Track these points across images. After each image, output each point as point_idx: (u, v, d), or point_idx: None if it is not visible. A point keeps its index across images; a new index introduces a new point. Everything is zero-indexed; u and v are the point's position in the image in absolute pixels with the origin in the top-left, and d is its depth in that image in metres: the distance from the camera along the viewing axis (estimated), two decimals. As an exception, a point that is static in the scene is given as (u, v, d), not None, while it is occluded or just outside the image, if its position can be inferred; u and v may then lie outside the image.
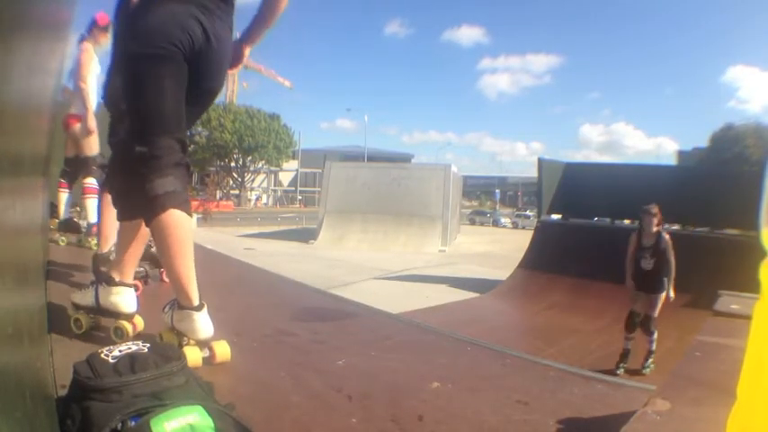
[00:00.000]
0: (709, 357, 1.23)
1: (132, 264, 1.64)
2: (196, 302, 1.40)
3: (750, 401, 0.53)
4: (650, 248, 4.81)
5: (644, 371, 4.87)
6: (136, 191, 1.39)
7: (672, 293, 4.79)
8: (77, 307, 1.60)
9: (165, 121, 1.39)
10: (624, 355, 4.95)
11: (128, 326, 1.56)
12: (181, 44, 1.37)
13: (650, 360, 4.89)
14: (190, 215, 1.41)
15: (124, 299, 1.56)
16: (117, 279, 1.58)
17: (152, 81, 1.37)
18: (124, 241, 1.61)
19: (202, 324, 1.40)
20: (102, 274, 1.69)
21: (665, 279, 4.76)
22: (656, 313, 4.79)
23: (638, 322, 4.87)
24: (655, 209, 4.88)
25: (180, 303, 1.41)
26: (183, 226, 1.38)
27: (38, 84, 1.32)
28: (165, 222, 1.35)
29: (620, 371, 4.85)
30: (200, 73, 1.46)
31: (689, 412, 0.97)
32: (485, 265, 13.92)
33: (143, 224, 1.49)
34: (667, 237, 4.82)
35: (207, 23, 1.41)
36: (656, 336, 4.87)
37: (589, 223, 9.77)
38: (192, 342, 1.42)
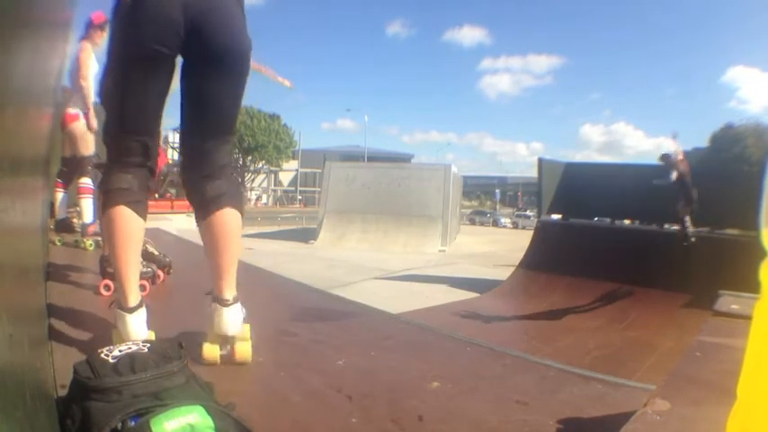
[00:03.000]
0: (709, 357, 1.23)
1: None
2: (130, 304, 1.38)
3: (750, 401, 0.53)
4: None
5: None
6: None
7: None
8: None
9: (128, 121, 1.41)
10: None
11: None
12: (156, 39, 1.30)
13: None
14: (141, 216, 1.41)
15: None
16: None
17: (119, 81, 1.39)
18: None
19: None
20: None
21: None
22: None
23: None
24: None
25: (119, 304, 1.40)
26: (130, 223, 1.39)
27: (38, 84, 1.33)
28: (112, 217, 1.37)
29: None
30: (198, 46, 1.36)
31: (689, 412, 0.97)
32: (485, 265, 13.90)
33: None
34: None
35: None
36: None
37: (589, 223, 9.76)
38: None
